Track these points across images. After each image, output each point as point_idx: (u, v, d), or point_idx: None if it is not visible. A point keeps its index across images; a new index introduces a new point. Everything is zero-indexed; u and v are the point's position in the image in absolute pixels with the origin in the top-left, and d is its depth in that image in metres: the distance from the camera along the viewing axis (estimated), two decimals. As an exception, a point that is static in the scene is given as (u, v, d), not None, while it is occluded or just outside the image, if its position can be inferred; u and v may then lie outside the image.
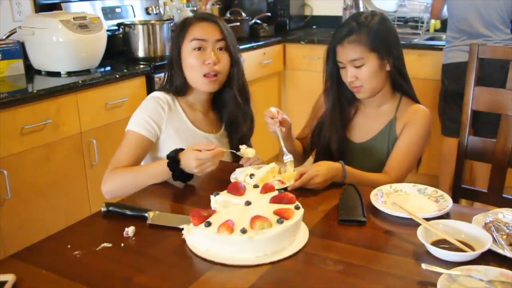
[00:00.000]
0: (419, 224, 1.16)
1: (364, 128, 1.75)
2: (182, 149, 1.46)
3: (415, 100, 1.74)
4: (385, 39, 1.64)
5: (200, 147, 1.42)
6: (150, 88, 2.71)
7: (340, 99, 1.74)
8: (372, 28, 1.61)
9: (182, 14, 3.54)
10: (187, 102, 1.71)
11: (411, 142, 1.65)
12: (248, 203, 1.21)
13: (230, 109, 1.72)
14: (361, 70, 1.62)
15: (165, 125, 1.65)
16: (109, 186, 1.53)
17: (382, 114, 1.73)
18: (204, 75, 1.63)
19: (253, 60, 3.51)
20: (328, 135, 1.74)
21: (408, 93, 1.73)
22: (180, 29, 1.67)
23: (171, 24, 3.14)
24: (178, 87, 1.69)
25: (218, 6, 4.06)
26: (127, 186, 1.51)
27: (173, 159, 1.44)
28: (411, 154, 1.66)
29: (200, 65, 1.62)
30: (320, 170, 1.44)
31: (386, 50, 1.63)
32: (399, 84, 1.71)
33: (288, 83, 3.90)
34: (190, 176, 1.48)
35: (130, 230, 1.21)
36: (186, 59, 1.65)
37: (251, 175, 1.45)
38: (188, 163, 1.42)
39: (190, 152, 1.41)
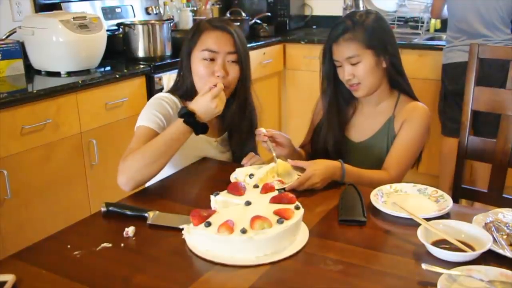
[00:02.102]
0: (419, 224, 1.16)
1: (363, 127, 1.75)
2: (185, 107, 1.48)
3: (413, 97, 1.74)
4: (380, 36, 1.65)
5: (205, 89, 1.48)
6: (150, 88, 2.71)
7: (337, 99, 1.75)
8: (367, 25, 1.63)
9: (182, 14, 3.54)
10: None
11: (409, 139, 1.65)
12: (248, 203, 1.21)
13: (230, 119, 1.70)
14: (358, 68, 1.62)
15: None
16: (125, 174, 1.42)
17: (380, 113, 1.73)
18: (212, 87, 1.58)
19: (253, 60, 3.44)
20: (325, 134, 1.74)
21: (406, 91, 1.73)
22: (193, 34, 1.63)
23: (171, 24, 3.14)
24: (188, 91, 1.66)
25: (218, 6, 4.06)
26: (148, 164, 1.42)
27: (188, 114, 1.45)
28: (410, 151, 1.66)
29: (208, 75, 1.58)
30: (317, 169, 1.44)
31: (381, 47, 1.64)
32: (397, 81, 1.71)
33: (288, 83, 3.90)
34: (206, 127, 1.49)
35: (130, 230, 1.21)
36: (195, 65, 1.62)
37: (251, 175, 1.45)
38: (208, 106, 1.45)
39: (204, 97, 1.46)
